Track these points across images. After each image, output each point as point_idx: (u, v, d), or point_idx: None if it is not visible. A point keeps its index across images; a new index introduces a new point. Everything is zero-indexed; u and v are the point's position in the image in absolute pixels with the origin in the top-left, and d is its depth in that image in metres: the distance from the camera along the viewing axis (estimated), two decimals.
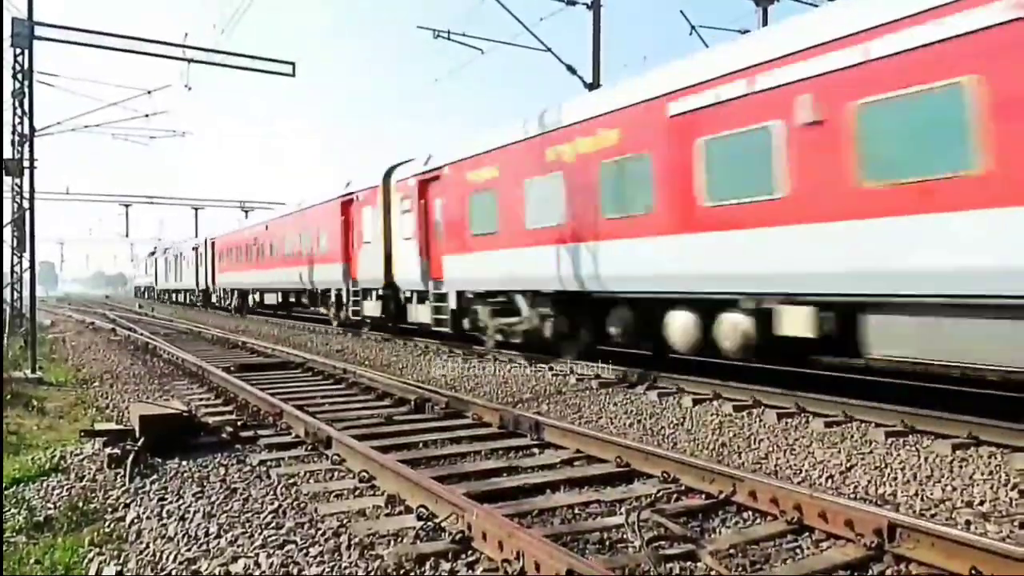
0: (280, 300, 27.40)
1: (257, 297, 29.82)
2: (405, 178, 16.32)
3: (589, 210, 10.67)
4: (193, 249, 40.65)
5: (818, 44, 7.46)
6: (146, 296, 60.59)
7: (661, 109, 9.35)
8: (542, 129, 11.68)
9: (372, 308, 17.97)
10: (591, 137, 10.63)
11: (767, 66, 7.99)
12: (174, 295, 48.39)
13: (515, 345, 12.93)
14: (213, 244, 36.39)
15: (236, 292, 32.93)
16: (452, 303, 14.38)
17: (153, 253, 58.26)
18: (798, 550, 3.97)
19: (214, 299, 36.63)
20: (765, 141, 7.97)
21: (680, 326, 9.43)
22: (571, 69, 16.52)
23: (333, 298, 20.74)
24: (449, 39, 17.13)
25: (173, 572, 3.76)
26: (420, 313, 15.81)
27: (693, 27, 15.98)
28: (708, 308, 8.98)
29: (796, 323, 7.85)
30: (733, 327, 8.64)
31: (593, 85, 16.48)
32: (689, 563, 3.76)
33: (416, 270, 15.64)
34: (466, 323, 14.16)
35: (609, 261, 10.31)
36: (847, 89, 7.16)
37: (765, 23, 15.79)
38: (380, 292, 17.45)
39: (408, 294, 16.44)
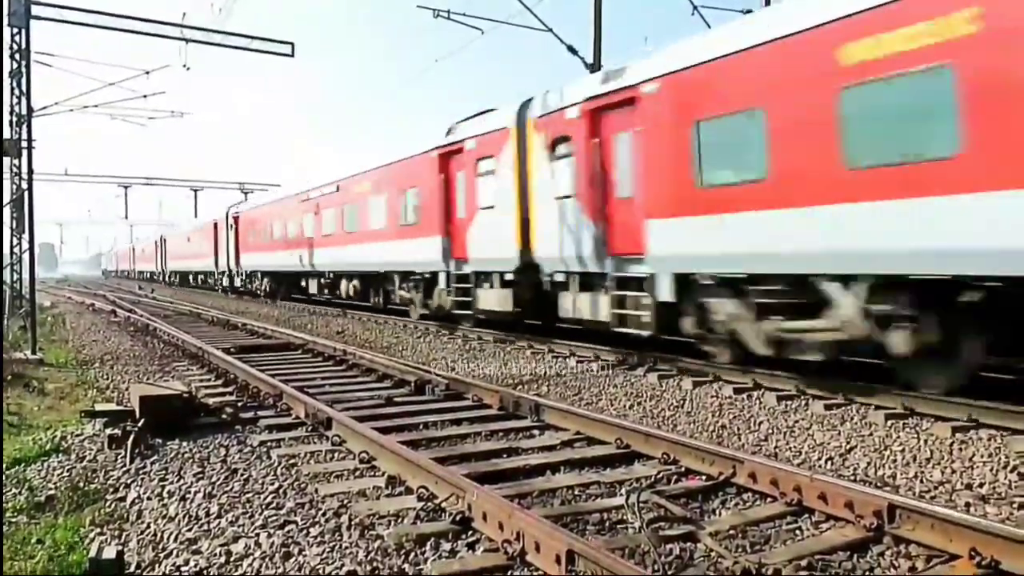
0: (326, 285, 22.78)
1: (302, 283, 24.94)
2: (558, 109, 11.50)
3: None
4: (212, 225, 35.73)
5: None
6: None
7: None
8: None
9: (494, 298, 13.21)
10: None
11: None
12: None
13: (794, 364, 8.16)
14: (236, 220, 31.48)
15: (267, 276, 28.37)
16: (663, 292, 9.47)
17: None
18: (798, 531, 3.98)
19: (238, 283, 32.16)
20: None
21: None
22: (572, 50, 16.36)
23: (421, 283, 16.26)
24: (449, 19, 16.94)
25: (174, 551, 3.77)
26: (584, 305, 11.12)
27: (695, 7, 15.80)
28: None
29: None
30: None
31: (594, 66, 16.34)
32: (689, 544, 3.76)
33: (583, 241, 10.96)
34: (687, 324, 9.51)
35: None
36: None
37: (767, 2, 15.61)
38: (508, 275, 12.89)
39: (561, 277, 11.65)
